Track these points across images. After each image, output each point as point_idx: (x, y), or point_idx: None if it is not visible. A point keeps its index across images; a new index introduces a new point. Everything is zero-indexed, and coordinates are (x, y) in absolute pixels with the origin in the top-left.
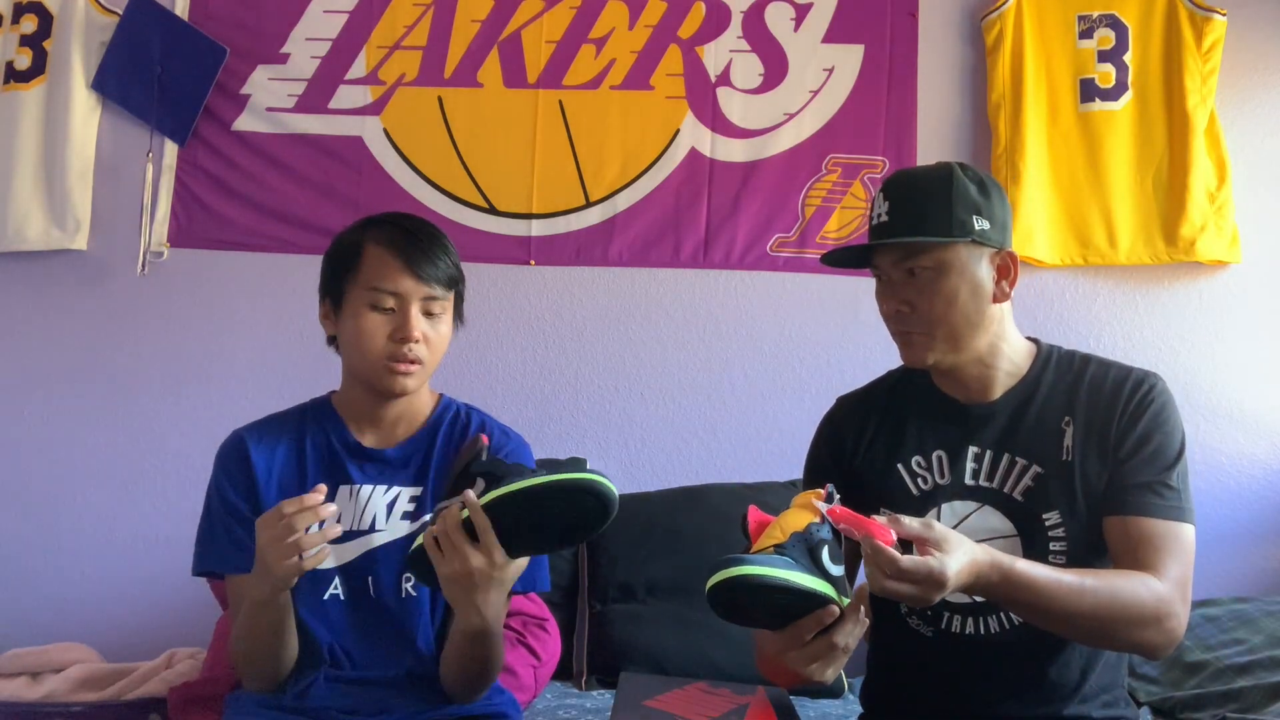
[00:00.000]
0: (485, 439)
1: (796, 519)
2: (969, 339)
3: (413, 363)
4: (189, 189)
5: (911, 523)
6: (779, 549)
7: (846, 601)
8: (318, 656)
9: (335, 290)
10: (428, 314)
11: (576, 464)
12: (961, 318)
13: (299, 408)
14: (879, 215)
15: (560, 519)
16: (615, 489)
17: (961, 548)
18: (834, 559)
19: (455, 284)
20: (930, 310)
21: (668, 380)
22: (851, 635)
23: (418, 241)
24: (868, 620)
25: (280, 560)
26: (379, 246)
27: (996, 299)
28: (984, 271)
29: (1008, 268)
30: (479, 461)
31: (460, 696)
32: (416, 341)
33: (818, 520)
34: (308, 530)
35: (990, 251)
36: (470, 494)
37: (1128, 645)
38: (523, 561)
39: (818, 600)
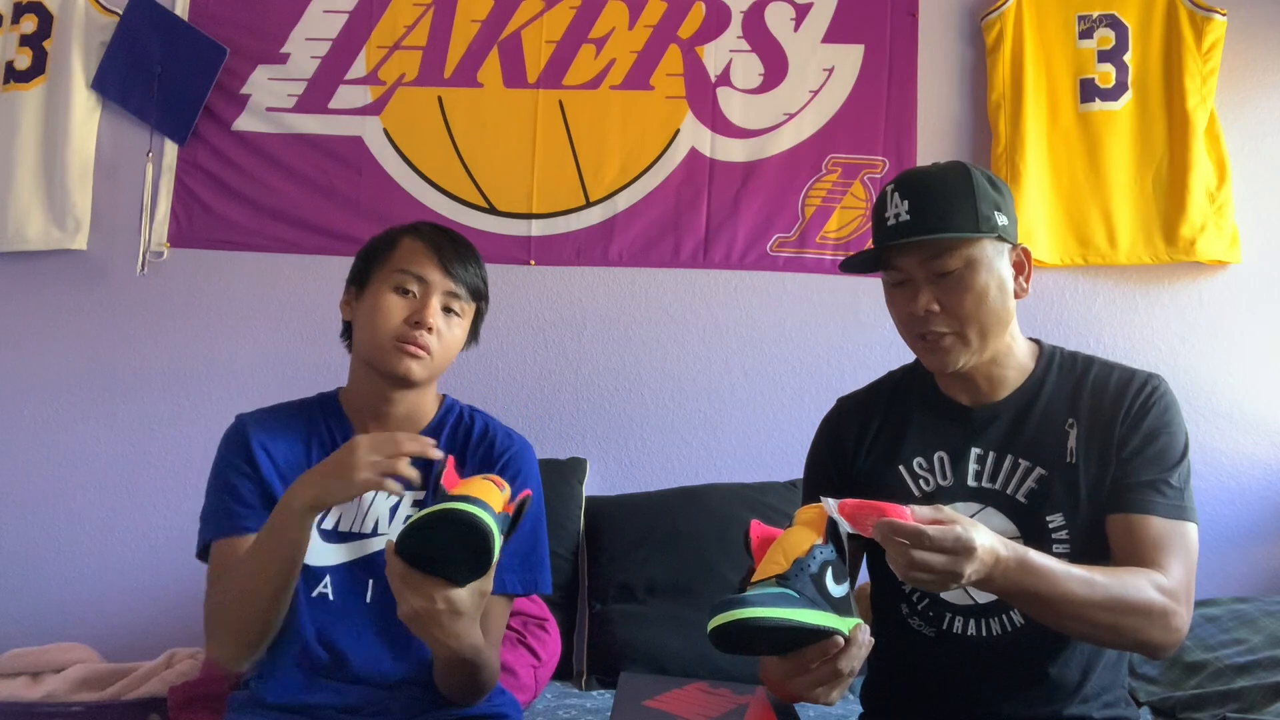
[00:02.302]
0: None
1: (799, 541)
2: (995, 337)
3: (422, 346)
4: (189, 189)
5: (920, 510)
6: (780, 580)
7: (852, 623)
8: (298, 651)
9: (363, 276)
10: (446, 310)
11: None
12: (991, 315)
13: (305, 401)
14: (897, 215)
15: (453, 549)
16: (478, 513)
17: (979, 525)
18: (838, 578)
19: (478, 296)
20: (962, 308)
21: (668, 380)
22: (855, 659)
23: (451, 241)
24: (871, 640)
25: (365, 468)
26: (413, 239)
27: (1017, 295)
28: (1006, 268)
29: (1023, 263)
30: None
31: (457, 702)
32: (430, 329)
33: (820, 540)
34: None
35: (1008, 247)
36: (390, 541)
37: (1132, 643)
38: (481, 589)
39: (822, 635)
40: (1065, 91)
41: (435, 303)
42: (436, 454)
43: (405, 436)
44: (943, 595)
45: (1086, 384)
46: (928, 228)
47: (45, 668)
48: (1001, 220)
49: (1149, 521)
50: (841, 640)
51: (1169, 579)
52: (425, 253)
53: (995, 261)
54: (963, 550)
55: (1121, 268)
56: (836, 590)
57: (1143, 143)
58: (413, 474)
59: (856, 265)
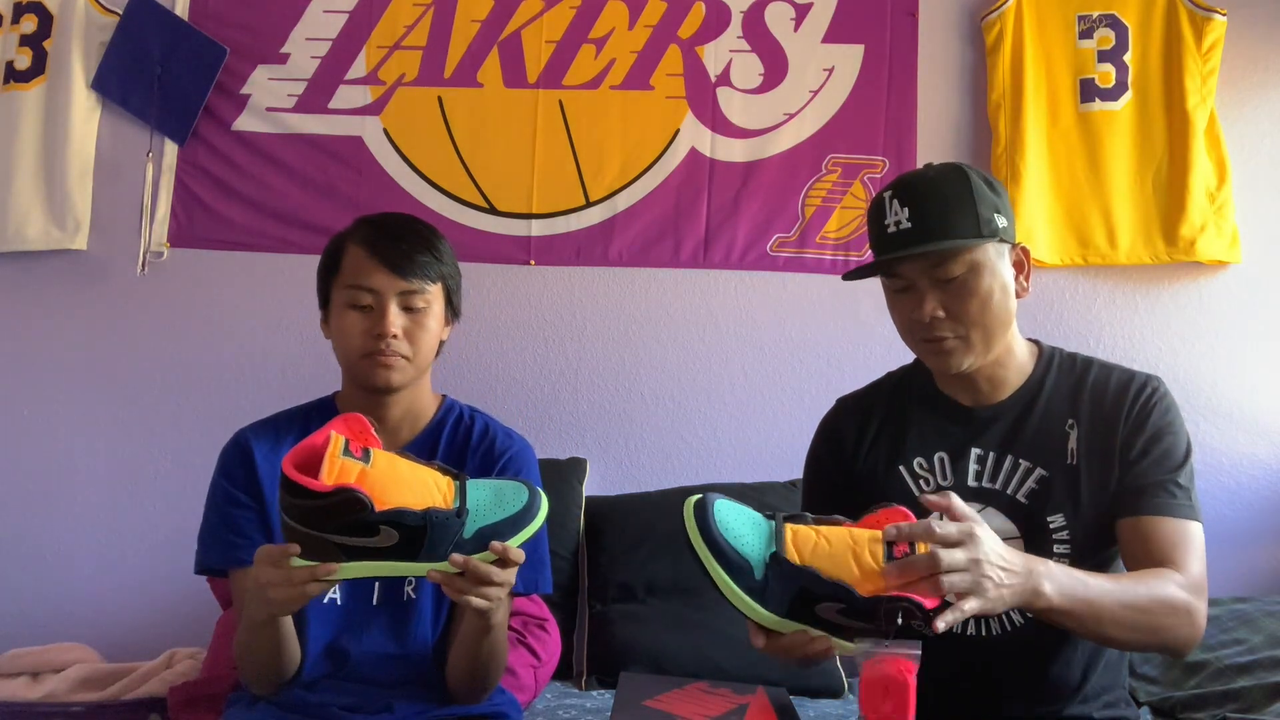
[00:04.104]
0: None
1: (838, 564)
2: (999, 339)
3: (392, 356)
4: (189, 189)
5: (930, 497)
6: (774, 560)
7: (792, 626)
8: (312, 659)
9: (324, 296)
10: (408, 308)
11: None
12: (995, 318)
13: (302, 408)
14: (897, 223)
15: None
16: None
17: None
18: (834, 619)
19: (442, 278)
20: (967, 313)
21: (668, 380)
22: (782, 652)
23: (394, 237)
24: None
25: (285, 602)
26: (356, 245)
27: (1019, 294)
28: (1008, 269)
29: (1022, 262)
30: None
31: (466, 698)
32: (394, 337)
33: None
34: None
35: (1008, 248)
36: (505, 570)
37: (1161, 643)
38: None
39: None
40: (1065, 91)
41: (392, 309)
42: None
43: (280, 550)
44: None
45: (1086, 385)
46: (930, 235)
47: (45, 668)
48: (1001, 222)
49: (1161, 523)
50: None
51: (1188, 577)
52: (368, 260)
53: (998, 264)
54: (969, 537)
55: (1121, 268)
56: (828, 615)
57: (1143, 143)
58: (331, 568)
59: (859, 274)
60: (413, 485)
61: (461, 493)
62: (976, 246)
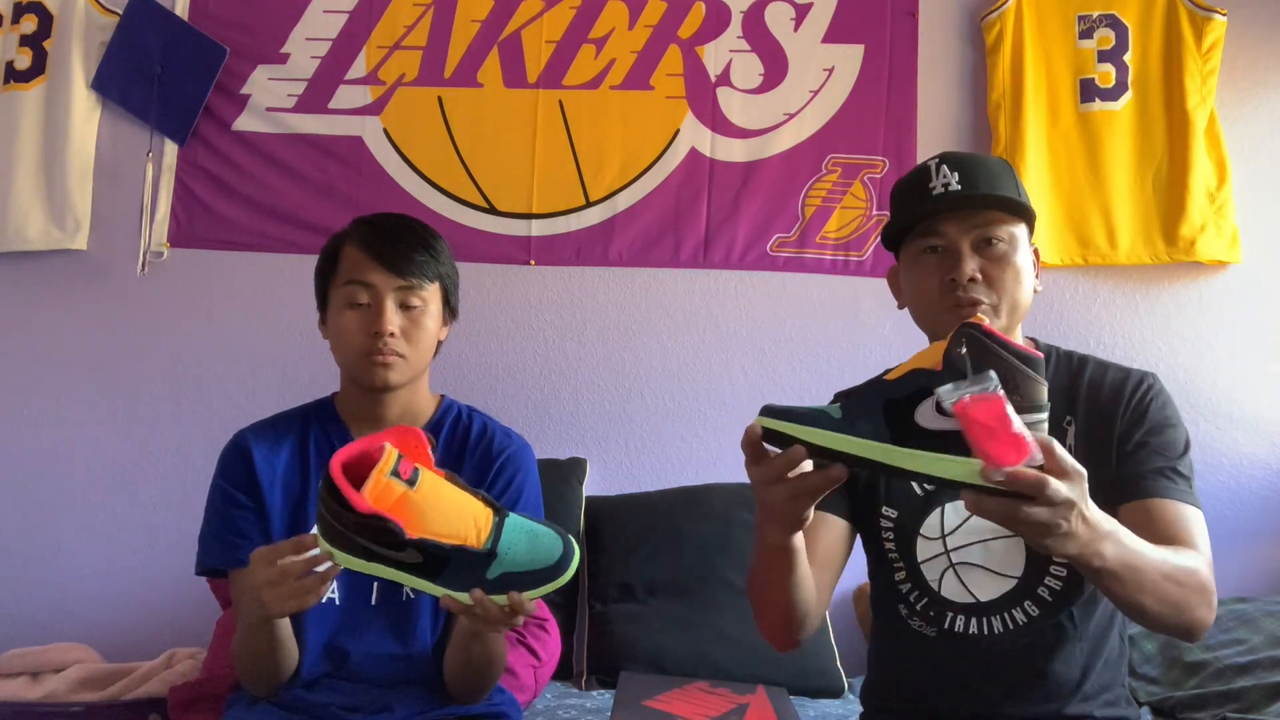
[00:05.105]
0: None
1: (909, 362)
2: (1019, 320)
3: (389, 354)
4: (189, 189)
5: (1041, 438)
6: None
7: (923, 457)
8: (312, 659)
9: (322, 296)
10: (405, 306)
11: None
12: (1023, 296)
13: (301, 408)
14: (945, 184)
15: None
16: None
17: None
18: (942, 409)
19: (439, 278)
20: (1003, 280)
21: (668, 380)
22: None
23: (390, 236)
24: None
25: (277, 602)
26: (353, 245)
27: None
28: (1030, 259)
29: (1034, 263)
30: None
31: (465, 698)
32: (391, 335)
33: (936, 368)
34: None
35: (1029, 241)
36: (516, 600)
37: (1185, 620)
38: None
39: (839, 458)
40: (1065, 91)
41: (389, 307)
42: (324, 567)
43: (290, 546)
44: (943, 594)
45: (1083, 382)
46: (981, 195)
47: (45, 668)
48: (1032, 213)
49: (1167, 505)
50: (844, 470)
51: (1204, 557)
52: (365, 258)
53: (1025, 249)
54: (1063, 503)
55: (1121, 268)
56: (931, 422)
57: (1143, 143)
58: (326, 572)
59: (893, 234)
60: (450, 516)
61: (497, 531)
62: (1016, 222)
